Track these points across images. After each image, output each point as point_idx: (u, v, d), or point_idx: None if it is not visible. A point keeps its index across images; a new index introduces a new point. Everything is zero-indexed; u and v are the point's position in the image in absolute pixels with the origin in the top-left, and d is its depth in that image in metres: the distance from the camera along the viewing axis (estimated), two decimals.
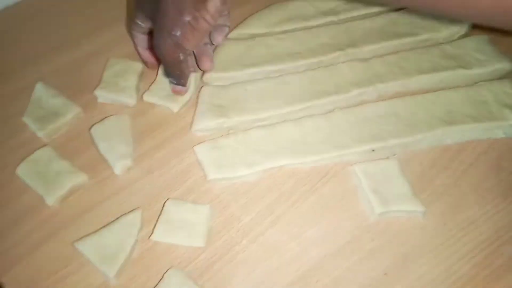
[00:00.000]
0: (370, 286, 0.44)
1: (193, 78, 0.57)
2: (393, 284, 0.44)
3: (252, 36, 0.63)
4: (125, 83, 0.57)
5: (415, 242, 0.46)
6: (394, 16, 0.64)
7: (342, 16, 0.65)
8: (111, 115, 0.55)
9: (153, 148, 0.54)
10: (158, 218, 0.48)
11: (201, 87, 0.57)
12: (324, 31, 0.63)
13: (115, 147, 0.52)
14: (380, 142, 0.52)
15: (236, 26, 0.63)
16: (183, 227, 0.47)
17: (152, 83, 0.58)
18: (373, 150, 0.52)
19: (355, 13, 0.65)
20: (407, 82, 0.57)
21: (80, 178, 0.50)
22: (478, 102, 0.54)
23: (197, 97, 0.57)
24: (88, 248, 0.46)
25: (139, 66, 0.59)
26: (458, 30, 0.62)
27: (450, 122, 0.53)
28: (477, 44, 0.60)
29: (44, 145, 0.53)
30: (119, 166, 0.51)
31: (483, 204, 0.48)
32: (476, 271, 0.44)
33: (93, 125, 0.54)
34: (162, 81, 0.58)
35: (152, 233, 0.47)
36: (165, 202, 0.49)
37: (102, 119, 0.54)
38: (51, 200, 0.49)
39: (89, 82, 0.59)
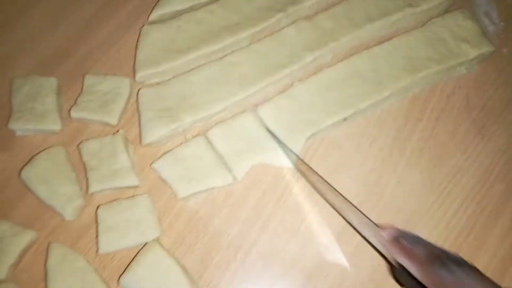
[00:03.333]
0: (380, 263, 0.42)
1: (127, 81, 0.49)
2: None
3: (177, 14, 0.54)
4: (43, 106, 0.47)
5: (410, 207, 0.45)
6: None
7: None
8: (39, 151, 0.45)
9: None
10: (97, 229, 0.42)
11: (138, 89, 0.49)
12: None
13: (57, 190, 0.43)
14: (350, 108, 0.48)
15: (154, 6, 0.53)
16: (129, 227, 0.42)
17: (78, 95, 0.48)
18: (345, 119, 0.48)
19: None
20: (359, 34, 0.53)
21: (28, 237, 0.42)
22: (436, 42, 0.51)
23: (137, 103, 0.48)
24: None
25: (53, 81, 0.48)
26: None
27: (413, 70, 0.50)
28: None
29: None
30: (70, 211, 0.43)
31: (463, 149, 0.47)
32: (474, 220, 0.44)
33: (21, 169, 0.44)
34: (89, 92, 0.48)
35: (98, 248, 0.42)
36: (96, 210, 0.43)
37: (30, 159, 0.44)
38: (2, 273, 0.40)
39: None
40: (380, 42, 0.52)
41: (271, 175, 0.46)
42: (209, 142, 0.46)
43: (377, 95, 0.49)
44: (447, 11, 0.55)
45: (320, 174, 0.46)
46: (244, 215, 0.44)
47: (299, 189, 0.45)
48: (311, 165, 0.46)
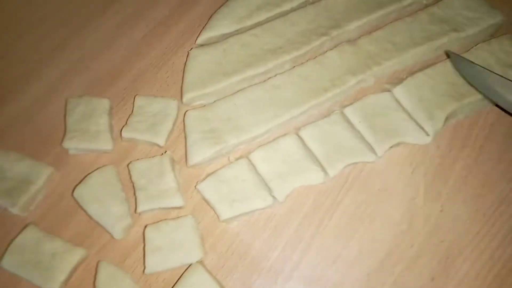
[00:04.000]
0: None
1: (174, 103, 0.50)
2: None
3: (224, 37, 0.55)
4: (96, 127, 0.49)
5: (452, 237, 0.44)
6: None
7: None
8: (91, 171, 0.47)
9: None
10: (144, 249, 0.43)
11: (185, 111, 0.50)
12: (300, 15, 0.56)
13: (108, 209, 0.45)
14: (396, 137, 0.48)
15: (202, 29, 0.55)
16: (174, 247, 0.43)
17: (128, 116, 0.50)
18: (391, 147, 0.48)
19: None
20: (403, 59, 0.53)
21: (79, 254, 0.44)
22: None
23: (183, 124, 0.50)
24: None
25: (106, 102, 0.50)
26: None
27: (458, 96, 0.49)
28: (464, 1, 0.56)
29: (26, 225, 0.45)
30: (118, 230, 0.44)
31: (509, 177, 0.47)
32: None
33: (75, 188, 0.46)
34: (139, 113, 0.50)
35: (144, 267, 0.43)
36: (144, 230, 0.44)
37: (84, 178, 0.46)
38: None
39: (51, 132, 0.51)
40: (424, 67, 0.52)
41: (312, 199, 0.47)
42: (251, 164, 0.47)
43: (424, 123, 0.48)
44: (493, 36, 0.54)
45: (361, 201, 0.47)
46: (285, 238, 0.45)
47: (338, 216, 0.46)
48: (351, 191, 0.47)
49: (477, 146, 0.48)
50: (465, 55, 0.51)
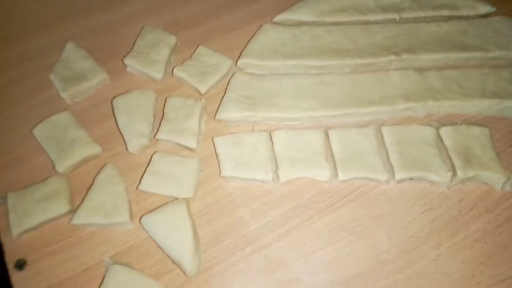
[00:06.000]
0: None
1: (228, 62, 0.54)
2: None
3: (299, 24, 0.57)
4: (156, 56, 0.54)
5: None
6: (465, 24, 0.56)
7: (404, 15, 0.58)
8: (136, 89, 0.52)
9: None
10: (145, 170, 0.47)
11: (234, 73, 0.53)
12: (380, 29, 0.56)
13: (133, 124, 0.49)
14: (421, 171, 0.46)
15: (282, 10, 0.58)
16: (171, 178, 0.46)
17: (186, 59, 0.54)
18: (411, 178, 0.46)
19: (421, 14, 0.58)
20: (465, 105, 0.50)
21: (94, 150, 0.48)
22: None
23: (228, 83, 0.53)
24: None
25: (173, 39, 0.55)
26: None
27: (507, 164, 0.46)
28: None
29: (65, 109, 0.51)
30: (134, 145, 0.48)
31: None
32: None
33: (116, 96, 0.51)
34: (196, 59, 0.54)
35: (139, 184, 0.46)
36: (152, 154, 0.47)
37: (126, 92, 0.51)
38: (61, 167, 0.47)
39: (120, 48, 0.56)
40: (484, 119, 0.49)
41: (312, 194, 0.46)
42: (270, 140, 0.48)
43: (462, 173, 0.46)
44: None
45: (358, 216, 0.45)
46: (269, 217, 0.45)
47: (328, 220, 0.45)
48: (353, 203, 0.46)
49: (502, 218, 0.45)
50: None
